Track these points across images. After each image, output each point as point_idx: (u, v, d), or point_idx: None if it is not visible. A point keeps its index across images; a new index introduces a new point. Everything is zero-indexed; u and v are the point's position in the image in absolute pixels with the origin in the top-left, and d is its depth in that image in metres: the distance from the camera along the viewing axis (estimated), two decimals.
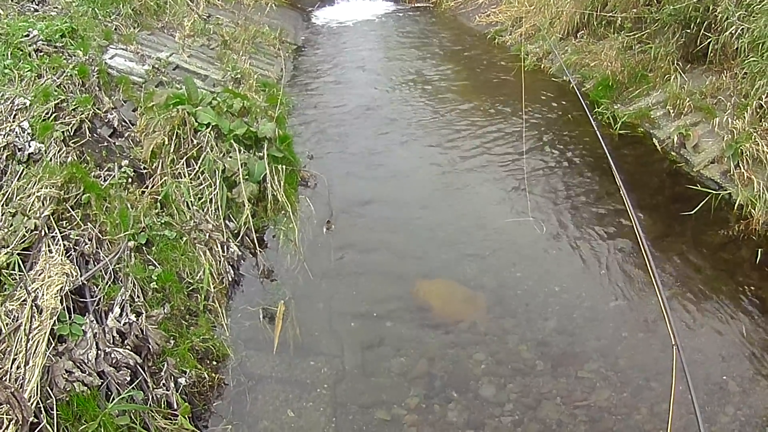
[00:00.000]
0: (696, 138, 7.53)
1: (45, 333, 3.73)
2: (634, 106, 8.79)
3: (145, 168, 6.04)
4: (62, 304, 3.98)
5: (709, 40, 8.08)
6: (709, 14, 8.01)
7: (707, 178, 7.11)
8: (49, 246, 4.46)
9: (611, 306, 5.27)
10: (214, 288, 5.04)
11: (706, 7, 8.00)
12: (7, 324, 3.76)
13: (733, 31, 7.55)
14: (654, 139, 8.12)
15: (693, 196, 6.67)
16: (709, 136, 7.52)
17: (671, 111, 8.21)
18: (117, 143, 6.27)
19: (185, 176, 6.01)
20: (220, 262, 5.33)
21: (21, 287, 4.00)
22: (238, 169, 6.22)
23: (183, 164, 6.13)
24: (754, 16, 7.29)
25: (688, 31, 8.42)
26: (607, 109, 8.90)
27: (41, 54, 6.88)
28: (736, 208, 6.46)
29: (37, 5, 8.71)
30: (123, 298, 4.29)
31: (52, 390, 3.50)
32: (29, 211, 4.68)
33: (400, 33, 14.69)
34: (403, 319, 5.14)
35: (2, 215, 4.65)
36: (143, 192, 5.65)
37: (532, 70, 11.03)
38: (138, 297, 4.45)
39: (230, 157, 6.41)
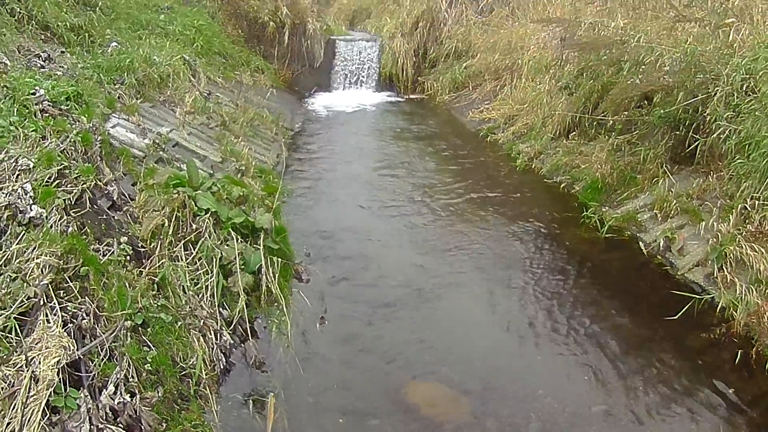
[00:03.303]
0: (681, 241, 8.08)
1: (41, 403, 4.01)
2: (622, 209, 9.39)
3: (143, 247, 6.39)
4: (59, 376, 4.27)
5: (697, 142, 8.67)
6: (698, 116, 8.63)
7: (691, 281, 7.61)
8: (47, 316, 4.76)
9: (593, 410, 5.63)
10: (206, 374, 5.33)
11: (696, 108, 8.62)
12: (2, 389, 4.04)
13: (720, 133, 8.09)
14: (640, 242, 8.68)
15: (677, 300, 7.11)
16: (695, 238, 8.05)
17: (658, 214, 8.79)
18: (116, 217, 6.63)
19: (182, 260, 6.37)
20: (213, 349, 5.64)
21: (19, 353, 4.29)
22: (235, 258, 6.61)
23: (181, 248, 6.50)
24: (741, 117, 7.84)
25: (677, 132, 9.09)
26: (595, 213, 9.44)
27: (46, 115, 7.27)
28: (718, 310, 6.93)
29: (44, 62, 9.22)
30: (118, 376, 4.57)
31: None
32: (29, 277, 4.99)
33: (394, 126, 15.65)
34: (389, 418, 5.45)
35: (1, 276, 4.96)
36: (141, 272, 5.97)
37: (523, 170, 11.81)
38: (132, 377, 4.73)
39: (227, 245, 6.80)
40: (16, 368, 4.20)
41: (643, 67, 9.98)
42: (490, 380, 6.01)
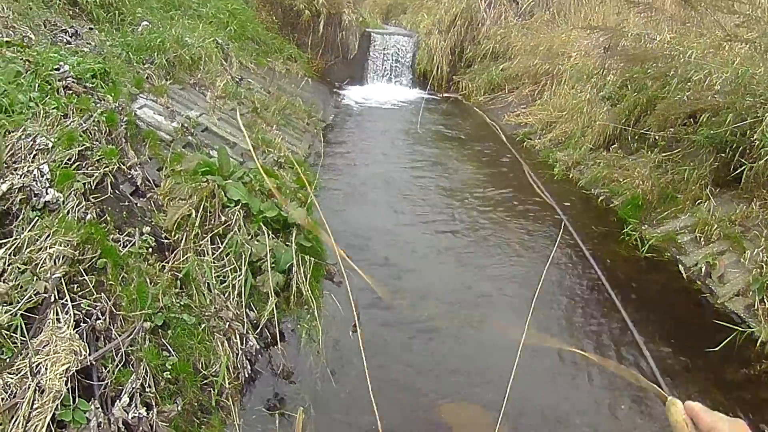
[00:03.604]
0: (722, 268, 7.64)
1: (46, 418, 3.51)
2: (662, 229, 8.93)
3: (167, 239, 5.89)
4: (67, 386, 3.77)
5: (743, 167, 8.27)
6: (745, 139, 8.26)
7: (731, 311, 7.17)
8: (57, 314, 4.26)
9: None
10: (229, 383, 4.83)
11: (744, 132, 8.25)
12: (3, 398, 3.54)
13: None
14: (680, 265, 8.22)
15: (717, 329, 6.65)
16: (736, 266, 7.64)
17: (699, 237, 8.37)
18: (138, 204, 6.14)
19: (209, 255, 5.86)
20: (237, 355, 5.13)
21: (23, 358, 3.79)
22: (266, 256, 6.09)
23: (208, 241, 5.99)
24: None
25: (723, 155, 8.69)
26: (635, 230, 9.03)
27: (70, 92, 6.81)
28: (758, 345, 6.48)
29: (71, 38, 8.77)
30: (133, 386, 4.07)
31: None
32: (40, 269, 4.50)
33: (428, 124, 15.07)
34: None
35: (9, 266, 4.48)
36: (164, 266, 5.47)
37: (560, 179, 11.40)
38: (149, 386, 4.22)
39: (258, 240, 6.28)
40: (19, 376, 3.71)
41: (690, 84, 9.65)
42: (524, 406, 5.53)
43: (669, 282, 7.95)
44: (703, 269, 7.79)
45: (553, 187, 10.89)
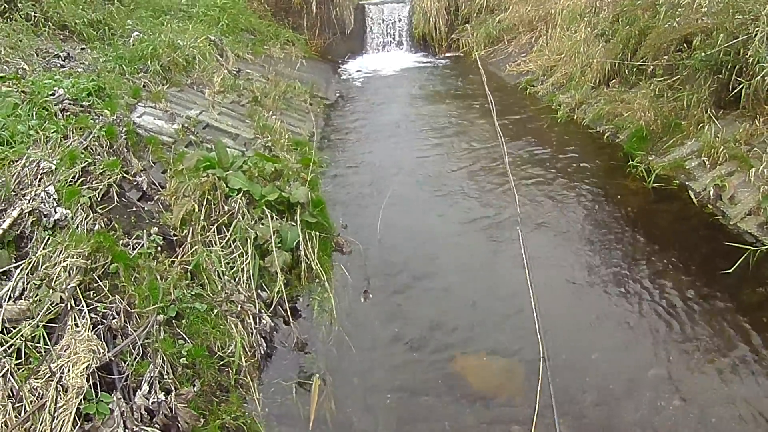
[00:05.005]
0: (732, 189, 7.62)
1: (71, 412, 3.83)
2: (669, 157, 8.91)
3: (175, 235, 6.18)
4: (88, 382, 4.08)
5: (741, 86, 8.18)
6: (740, 58, 8.15)
7: (744, 231, 7.15)
8: (75, 320, 4.57)
9: (650, 374, 5.23)
10: (245, 362, 5.09)
11: (737, 51, 8.15)
12: (31, 402, 3.87)
13: (765, 75, 7.69)
14: (690, 191, 8.19)
15: (731, 251, 6.60)
16: (745, 186, 7.60)
17: (706, 161, 8.33)
18: (146, 208, 6.44)
19: (216, 244, 6.13)
20: (252, 334, 5.39)
21: (46, 364, 4.12)
22: (270, 237, 6.35)
23: (214, 231, 6.26)
24: None
25: (720, 76, 8.57)
26: (641, 162, 9.02)
27: (67, 114, 7.12)
28: None
29: (64, 61, 9.07)
30: (152, 374, 4.37)
31: None
32: (55, 282, 4.81)
33: (431, 86, 15.11)
34: (439, 394, 5.13)
35: (27, 285, 4.80)
36: (173, 262, 5.76)
37: (565, 121, 11.41)
38: (167, 373, 4.52)
39: (262, 224, 6.54)
40: (44, 379, 4.03)
41: (680, 9, 9.59)
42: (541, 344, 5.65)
43: (680, 210, 7.93)
44: (713, 192, 7.76)
45: (558, 130, 11.00)
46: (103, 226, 5.66)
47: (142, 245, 5.70)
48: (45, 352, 4.29)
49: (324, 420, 4.88)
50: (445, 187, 8.93)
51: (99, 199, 6.05)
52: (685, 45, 9.49)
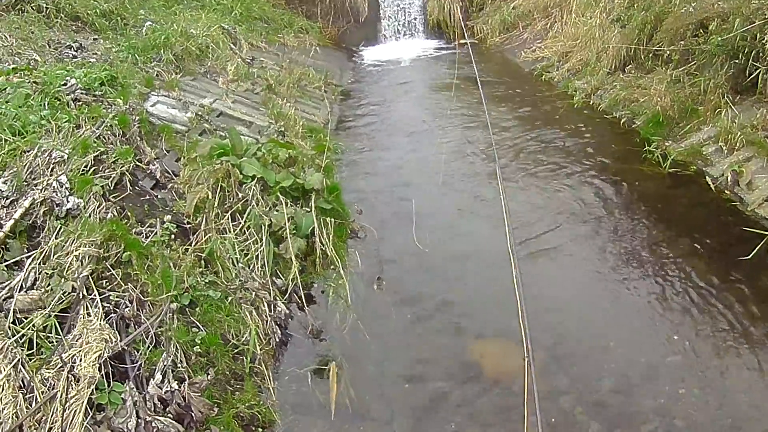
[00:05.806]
0: (749, 175, 7.48)
1: (82, 402, 3.75)
2: (686, 143, 8.78)
3: (188, 223, 6.10)
4: (101, 372, 4.00)
5: (758, 71, 8.07)
6: (756, 43, 8.01)
7: (762, 217, 7.01)
8: (87, 309, 4.50)
9: (668, 361, 5.11)
10: (260, 349, 5.01)
11: (753, 35, 8.01)
12: (43, 392, 3.79)
13: None
14: (707, 177, 8.04)
15: (749, 237, 6.47)
16: (763, 172, 7.45)
17: (723, 146, 8.17)
18: (159, 196, 6.38)
19: (230, 231, 6.05)
20: (267, 321, 5.31)
21: (57, 354, 4.04)
22: (285, 224, 6.26)
23: (228, 219, 6.18)
24: None
25: (737, 61, 8.43)
26: (658, 147, 8.89)
27: (80, 104, 7.04)
28: None
29: (76, 52, 9.01)
30: (165, 363, 4.29)
31: None
32: (67, 271, 4.74)
33: (446, 74, 14.86)
34: (455, 380, 5.05)
35: (39, 275, 4.73)
36: (187, 249, 5.68)
37: (581, 107, 11.26)
38: (181, 362, 4.44)
39: (276, 210, 6.45)
40: (56, 369, 3.96)
41: None
42: (557, 330, 5.56)
43: (697, 195, 7.79)
44: (730, 178, 7.61)
45: (574, 116, 10.84)
46: (115, 214, 5.58)
47: (156, 233, 5.61)
48: (57, 342, 4.22)
49: (338, 408, 4.79)
50: (465, 179, 8.80)
51: (112, 188, 5.97)
52: (701, 30, 9.33)
